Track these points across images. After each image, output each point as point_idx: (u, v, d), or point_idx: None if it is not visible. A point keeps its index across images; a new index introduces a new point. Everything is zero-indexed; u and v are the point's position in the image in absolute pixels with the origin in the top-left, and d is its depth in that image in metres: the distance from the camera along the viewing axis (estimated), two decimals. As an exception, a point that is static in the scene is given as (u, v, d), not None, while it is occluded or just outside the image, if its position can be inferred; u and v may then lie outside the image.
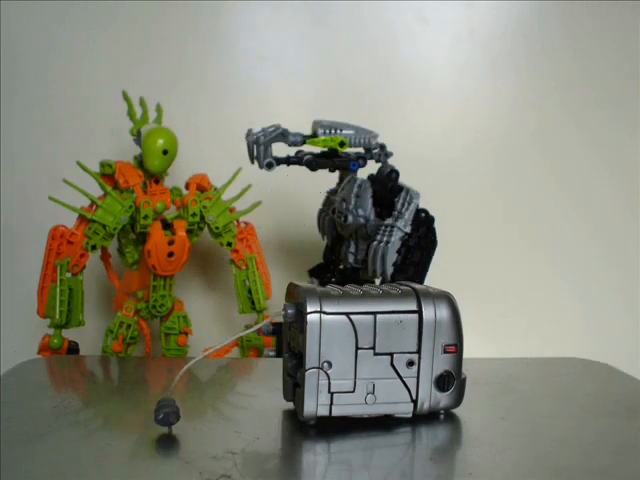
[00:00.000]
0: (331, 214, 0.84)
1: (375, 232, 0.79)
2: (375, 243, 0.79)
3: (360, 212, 0.80)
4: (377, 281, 0.83)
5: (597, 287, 1.06)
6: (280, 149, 0.82)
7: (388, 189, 0.80)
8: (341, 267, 0.87)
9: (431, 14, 1.02)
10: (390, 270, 0.78)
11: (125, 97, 0.85)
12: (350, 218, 0.80)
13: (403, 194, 0.79)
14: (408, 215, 0.78)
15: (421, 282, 0.78)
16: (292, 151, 0.83)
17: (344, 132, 0.82)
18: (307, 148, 0.83)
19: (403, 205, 0.79)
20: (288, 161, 0.82)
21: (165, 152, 0.83)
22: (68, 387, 0.74)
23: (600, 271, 1.06)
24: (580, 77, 1.04)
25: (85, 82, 1.00)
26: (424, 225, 0.79)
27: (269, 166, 0.80)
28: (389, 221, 0.79)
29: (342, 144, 0.81)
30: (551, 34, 1.04)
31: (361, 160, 0.83)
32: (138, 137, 0.85)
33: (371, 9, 1.01)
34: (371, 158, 0.84)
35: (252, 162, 0.81)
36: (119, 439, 0.55)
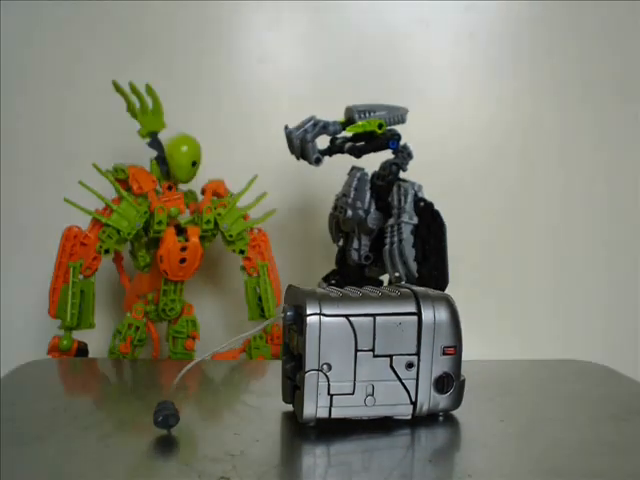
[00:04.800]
0: (333, 210, 0.84)
1: (382, 236, 0.79)
2: (387, 247, 0.78)
3: (359, 204, 0.80)
4: (385, 278, 0.83)
5: (596, 289, 1.05)
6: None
7: (387, 182, 0.80)
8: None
9: (431, 16, 1.01)
10: (414, 266, 0.78)
11: (117, 88, 0.82)
12: (349, 212, 0.80)
13: (395, 189, 0.79)
14: (409, 207, 0.78)
15: (445, 267, 0.77)
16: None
17: (378, 113, 0.81)
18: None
19: (399, 199, 0.78)
20: (330, 152, 0.81)
21: (194, 164, 0.83)
22: (70, 388, 0.75)
23: (599, 273, 1.05)
24: (582, 79, 1.03)
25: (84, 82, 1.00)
26: (426, 212, 0.78)
27: (318, 161, 0.80)
28: (392, 221, 0.78)
29: (380, 126, 0.80)
30: (552, 35, 1.03)
31: (396, 136, 0.82)
32: (152, 141, 0.84)
33: (371, 10, 1.01)
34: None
35: (298, 159, 0.81)
36: (118, 441, 0.56)
